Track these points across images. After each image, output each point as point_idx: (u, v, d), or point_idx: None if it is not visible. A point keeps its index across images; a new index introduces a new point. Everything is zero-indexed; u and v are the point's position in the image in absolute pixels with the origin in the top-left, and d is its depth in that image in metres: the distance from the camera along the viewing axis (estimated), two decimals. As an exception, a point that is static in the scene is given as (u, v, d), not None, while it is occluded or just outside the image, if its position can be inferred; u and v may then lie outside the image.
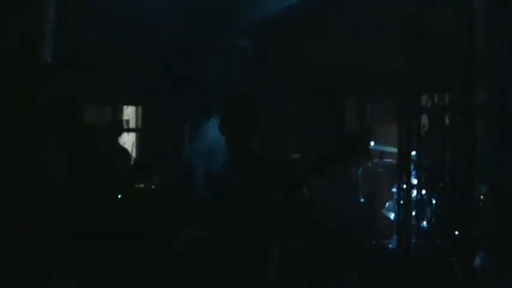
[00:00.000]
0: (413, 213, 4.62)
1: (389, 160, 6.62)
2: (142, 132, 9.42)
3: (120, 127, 7.30)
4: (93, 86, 7.46)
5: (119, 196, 5.84)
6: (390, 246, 5.51)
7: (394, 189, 5.75)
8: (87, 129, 6.46)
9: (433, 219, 4.27)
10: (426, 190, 4.39)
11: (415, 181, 4.67)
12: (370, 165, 6.88)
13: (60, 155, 4.52)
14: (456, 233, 4.16)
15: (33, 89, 4.10)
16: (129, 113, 9.90)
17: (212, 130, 5.09)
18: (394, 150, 5.47)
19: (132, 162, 6.80)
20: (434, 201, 4.29)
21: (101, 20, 6.56)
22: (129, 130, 9.64)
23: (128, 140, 9.26)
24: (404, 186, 4.58)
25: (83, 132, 6.30)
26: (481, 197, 4.67)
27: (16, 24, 4.82)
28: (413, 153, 4.61)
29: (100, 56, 7.35)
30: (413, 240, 4.53)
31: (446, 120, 4.28)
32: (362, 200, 6.93)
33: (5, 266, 3.90)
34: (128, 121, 9.86)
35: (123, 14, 6.55)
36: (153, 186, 5.96)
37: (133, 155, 7.71)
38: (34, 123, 4.17)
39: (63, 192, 4.47)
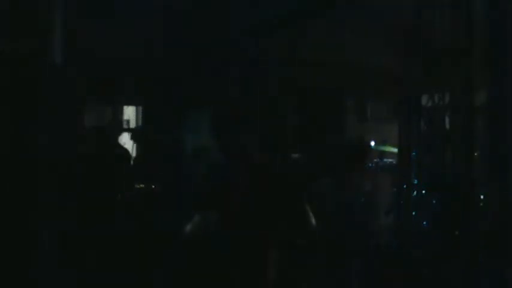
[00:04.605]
0: (413, 213, 4.62)
1: (390, 160, 6.61)
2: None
3: (120, 127, 7.29)
4: (94, 86, 7.46)
5: (119, 196, 5.84)
6: (390, 246, 5.51)
7: (394, 189, 5.75)
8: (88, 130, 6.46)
9: (433, 219, 4.27)
10: (426, 190, 4.39)
11: (415, 181, 4.67)
12: (370, 165, 6.87)
13: (61, 155, 4.52)
14: (456, 233, 4.16)
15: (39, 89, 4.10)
16: (129, 113, 9.90)
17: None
18: (394, 150, 5.47)
19: (132, 162, 6.79)
20: (434, 201, 4.28)
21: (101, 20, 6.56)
22: (129, 130, 9.64)
23: (128, 140, 9.25)
24: (404, 186, 4.58)
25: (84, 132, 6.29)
26: (481, 197, 4.67)
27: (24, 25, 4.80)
28: (414, 153, 4.61)
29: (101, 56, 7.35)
30: (413, 240, 4.53)
31: (446, 120, 4.28)
32: (362, 200, 6.92)
33: (6, 263, 3.90)
34: (128, 121, 9.86)
35: (123, 13, 6.55)
36: (153, 186, 5.95)
37: (133, 155, 7.69)
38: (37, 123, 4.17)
39: (64, 191, 4.47)
